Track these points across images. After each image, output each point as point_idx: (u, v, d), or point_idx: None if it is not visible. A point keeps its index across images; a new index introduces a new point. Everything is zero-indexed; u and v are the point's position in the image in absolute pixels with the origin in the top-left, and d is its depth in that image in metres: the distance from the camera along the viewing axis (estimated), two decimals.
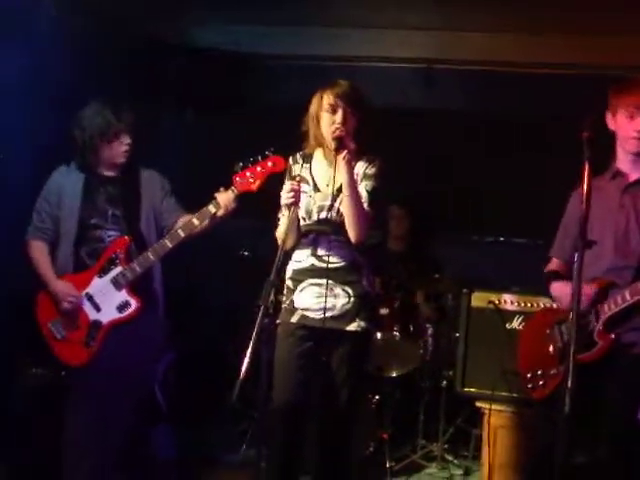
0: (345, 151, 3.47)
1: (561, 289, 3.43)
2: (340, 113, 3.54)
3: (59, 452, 3.91)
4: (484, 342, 4.52)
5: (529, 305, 4.49)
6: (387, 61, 6.28)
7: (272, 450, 3.57)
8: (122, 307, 3.89)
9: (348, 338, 3.58)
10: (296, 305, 3.65)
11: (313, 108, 3.62)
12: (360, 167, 3.62)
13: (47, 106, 4.68)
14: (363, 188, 3.59)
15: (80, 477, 3.84)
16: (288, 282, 3.72)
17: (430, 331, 5.33)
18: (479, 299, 4.62)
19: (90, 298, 3.90)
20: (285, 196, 3.49)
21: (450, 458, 5.15)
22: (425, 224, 6.13)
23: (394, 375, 5.10)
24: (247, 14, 5.95)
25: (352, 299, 3.58)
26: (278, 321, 3.68)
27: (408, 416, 5.28)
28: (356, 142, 3.58)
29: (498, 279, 5.29)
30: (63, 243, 3.93)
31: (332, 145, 3.52)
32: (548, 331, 3.48)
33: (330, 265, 3.57)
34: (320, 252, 3.61)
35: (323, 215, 3.61)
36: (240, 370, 2.95)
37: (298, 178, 3.61)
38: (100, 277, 3.90)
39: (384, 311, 5.05)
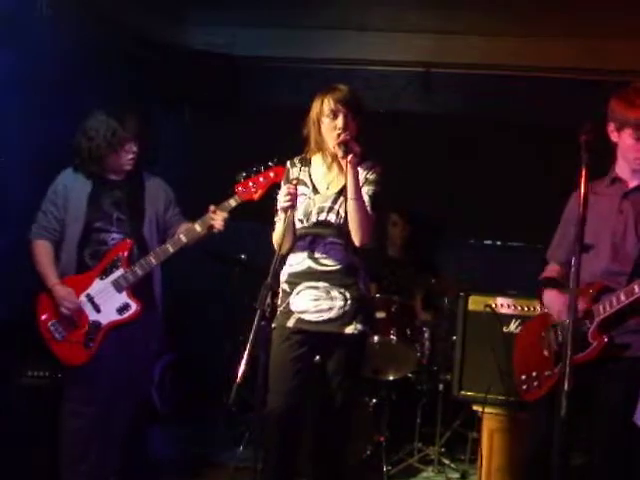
0: (351, 155, 3.48)
1: (552, 299, 3.45)
2: (341, 118, 3.55)
3: (56, 454, 3.93)
4: (481, 346, 4.51)
5: (526, 309, 4.48)
6: (384, 64, 6.29)
7: (267, 453, 3.58)
8: (122, 309, 3.93)
9: (345, 341, 3.58)
10: (292, 308, 3.64)
11: (313, 113, 3.62)
12: (361, 173, 3.62)
13: (42, 107, 4.69)
14: (365, 193, 3.59)
15: (79, 478, 3.86)
16: (284, 285, 3.71)
17: (427, 335, 5.32)
18: (476, 303, 4.61)
19: (91, 299, 3.94)
20: (282, 199, 3.51)
21: (447, 462, 5.14)
22: (423, 229, 6.13)
23: (391, 379, 5.10)
24: (243, 16, 5.97)
25: (349, 302, 3.58)
26: (274, 325, 3.68)
27: (405, 420, 5.28)
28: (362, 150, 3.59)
29: (495, 283, 5.29)
30: (67, 245, 3.97)
31: (338, 151, 3.53)
32: (543, 334, 3.49)
33: (327, 268, 3.59)
34: (317, 255, 3.61)
35: (322, 217, 3.61)
36: (237, 373, 2.95)
37: (295, 181, 3.61)
38: (101, 279, 3.94)
39: (381, 315, 5.04)
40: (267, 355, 3.48)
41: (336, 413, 3.61)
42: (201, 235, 3.94)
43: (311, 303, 3.60)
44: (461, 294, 4.68)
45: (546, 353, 3.45)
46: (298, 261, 3.65)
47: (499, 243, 6.23)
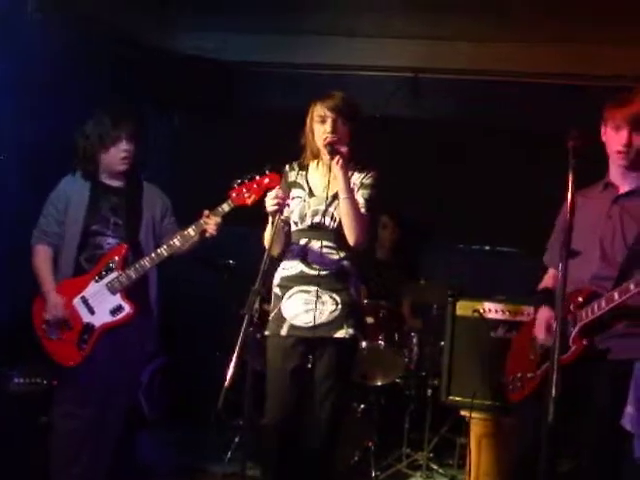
0: (338, 156, 3.55)
1: (539, 317, 3.48)
2: (329, 123, 3.62)
3: (45, 458, 3.92)
4: (469, 351, 4.53)
5: (514, 314, 4.49)
6: (374, 70, 6.29)
7: (268, 469, 3.67)
8: (115, 311, 3.98)
9: (335, 345, 3.60)
10: (284, 314, 3.66)
11: (308, 121, 3.72)
12: (357, 177, 3.70)
13: (32, 109, 4.68)
14: (360, 196, 3.66)
15: None
16: (276, 290, 3.74)
17: (415, 340, 5.32)
18: (464, 308, 4.62)
19: (85, 301, 3.99)
20: (269, 202, 3.52)
21: (435, 467, 5.14)
22: (412, 233, 6.14)
23: (379, 384, 5.10)
24: (233, 21, 5.97)
25: (339, 306, 3.61)
26: (267, 332, 3.71)
27: (393, 425, 5.28)
28: (350, 151, 3.64)
29: (483, 288, 5.29)
30: (66, 249, 4.02)
31: (324, 153, 3.62)
32: (532, 338, 3.51)
33: (319, 272, 3.63)
34: (310, 259, 3.65)
35: (317, 220, 3.67)
36: (225, 379, 2.95)
37: (281, 192, 3.61)
38: (96, 281, 4.00)
39: (369, 320, 5.04)
40: (255, 361, 3.47)
41: (326, 417, 3.62)
42: (195, 239, 3.99)
43: (302, 307, 3.63)
44: (449, 299, 4.69)
45: (532, 357, 3.48)
46: (291, 265, 3.70)
47: (487, 248, 6.24)
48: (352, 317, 3.63)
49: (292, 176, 3.81)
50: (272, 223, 3.51)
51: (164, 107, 6.42)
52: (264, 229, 3.71)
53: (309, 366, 3.71)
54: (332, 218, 3.65)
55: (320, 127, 3.64)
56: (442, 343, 5.01)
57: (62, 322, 3.95)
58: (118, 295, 3.98)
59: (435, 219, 6.21)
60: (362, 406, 5.12)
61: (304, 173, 3.80)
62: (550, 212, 3.62)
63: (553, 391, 2.69)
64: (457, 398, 4.57)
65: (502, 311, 4.53)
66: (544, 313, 3.45)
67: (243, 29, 6.14)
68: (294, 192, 3.76)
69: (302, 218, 3.70)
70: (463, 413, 4.56)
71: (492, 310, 4.56)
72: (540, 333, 3.42)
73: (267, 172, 3.79)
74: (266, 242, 3.64)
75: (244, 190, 3.83)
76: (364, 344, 4.94)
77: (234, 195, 3.86)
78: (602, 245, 3.30)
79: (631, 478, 3.15)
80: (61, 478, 3.90)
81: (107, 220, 4.05)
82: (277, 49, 6.22)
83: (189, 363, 5.81)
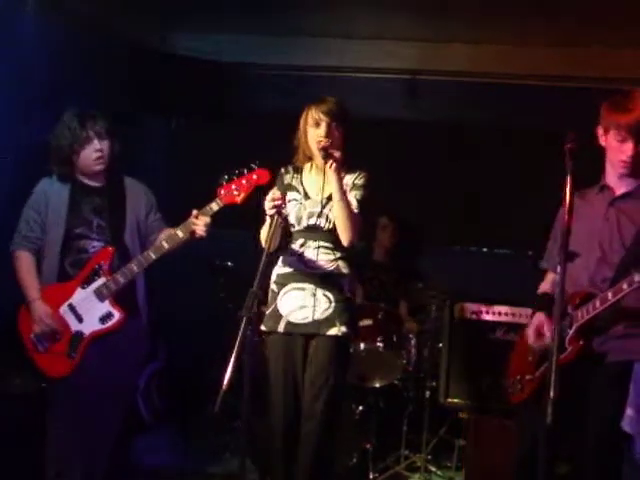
0: (331, 160, 3.64)
1: (534, 322, 3.47)
2: (323, 127, 3.72)
3: (40, 464, 3.88)
4: (467, 353, 4.53)
5: (512, 316, 4.50)
6: (370, 72, 6.29)
7: (273, 466, 3.75)
8: (105, 318, 3.87)
9: (328, 342, 3.68)
10: (280, 311, 3.77)
11: (301, 124, 3.82)
12: (349, 178, 3.80)
13: (27, 110, 4.67)
14: (353, 197, 3.76)
15: None
16: (273, 286, 3.85)
17: (413, 342, 5.32)
18: (462, 310, 4.63)
19: (73, 309, 3.87)
20: (268, 205, 3.57)
21: (433, 469, 5.13)
22: (410, 235, 6.15)
23: (377, 386, 5.09)
24: (229, 23, 5.96)
25: (333, 304, 3.71)
26: (264, 328, 3.80)
27: (391, 427, 5.27)
28: (343, 154, 3.72)
29: (481, 290, 5.30)
30: (49, 253, 3.91)
31: (319, 156, 3.69)
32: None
33: (314, 271, 3.73)
34: (306, 258, 3.76)
35: (312, 221, 3.78)
36: (223, 380, 2.94)
37: (279, 193, 3.66)
38: (83, 288, 3.88)
39: (367, 322, 5.04)
40: (253, 363, 3.47)
41: (320, 415, 3.65)
42: (183, 241, 3.88)
43: (297, 304, 3.74)
44: (447, 301, 4.69)
45: (530, 358, 3.49)
46: (288, 263, 3.81)
47: (485, 250, 6.25)
48: (345, 315, 3.73)
49: (287, 179, 3.90)
50: (270, 224, 3.52)
51: (161, 108, 6.41)
52: (258, 234, 3.74)
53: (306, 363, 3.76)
54: (327, 219, 3.76)
55: (314, 130, 3.74)
56: (440, 345, 5.03)
57: (51, 333, 3.84)
58: (107, 302, 3.86)
59: (433, 221, 6.21)
60: (360, 408, 5.11)
61: (298, 176, 3.89)
62: (548, 214, 3.62)
63: (551, 392, 2.69)
64: (455, 400, 4.58)
65: (500, 313, 4.53)
66: (537, 318, 3.46)
67: (239, 31, 6.14)
68: (290, 195, 3.85)
69: (298, 220, 3.80)
70: (462, 415, 4.56)
71: (490, 312, 4.56)
72: (530, 338, 3.44)
73: (255, 168, 3.77)
74: (263, 241, 3.65)
75: (233, 187, 3.77)
76: (362, 346, 4.95)
77: (223, 193, 3.78)
78: (601, 247, 3.30)
79: (631, 479, 3.15)
80: None
81: (90, 222, 3.92)
82: (273, 51, 6.21)
83: (187, 365, 5.81)
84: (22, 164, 4.52)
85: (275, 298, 3.80)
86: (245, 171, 3.78)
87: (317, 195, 3.80)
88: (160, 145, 6.53)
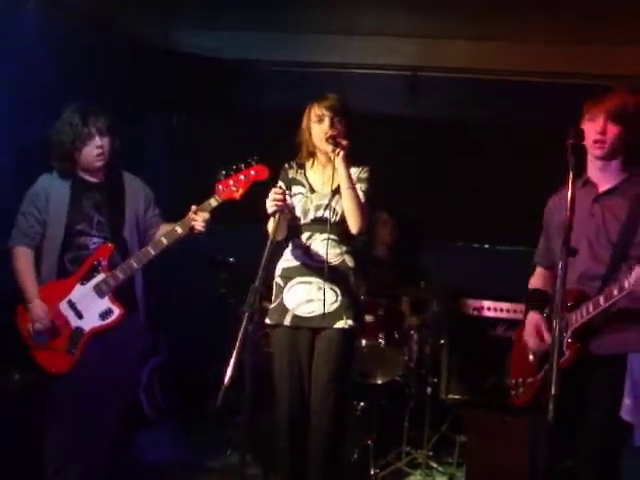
0: (339, 149, 3.67)
1: (529, 322, 3.48)
2: (327, 121, 3.76)
3: (39, 459, 3.89)
4: (468, 349, 4.54)
5: (513, 312, 4.50)
6: (372, 68, 6.29)
7: (279, 467, 3.78)
8: (104, 314, 3.88)
9: (335, 335, 3.72)
10: (286, 304, 3.80)
11: (305, 121, 3.86)
12: (354, 172, 3.81)
13: (29, 108, 4.67)
14: (359, 189, 3.77)
15: None
16: (278, 280, 3.87)
17: (415, 338, 5.32)
18: (463, 306, 4.64)
19: (72, 305, 3.88)
20: (269, 204, 3.59)
21: (435, 465, 5.13)
22: (412, 231, 6.14)
23: (379, 382, 5.09)
24: (231, 19, 5.96)
25: (339, 298, 3.75)
26: (269, 321, 3.84)
27: (393, 423, 5.27)
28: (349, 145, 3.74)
29: (482, 286, 5.30)
30: (49, 249, 3.91)
31: (327, 147, 3.73)
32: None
33: (320, 265, 3.74)
34: (312, 251, 3.78)
35: (319, 214, 3.81)
36: (225, 376, 2.95)
37: (281, 189, 3.70)
38: (83, 284, 3.88)
39: (369, 318, 5.03)
40: (255, 359, 3.47)
41: (328, 408, 3.69)
42: (182, 236, 3.87)
43: (303, 298, 3.77)
44: (449, 298, 4.69)
45: (531, 359, 3.48)
46: (293, 256, 3.84)
47: (487, 246, 6.25)
48: (352, 309, 3.77)
49: (292, 173, 3.93)
50: (274, 219, 3.54)
51: (162, 105, 6.41)
52: (265, 226, 3.71)
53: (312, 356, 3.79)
54: (334, 212, 3.77)
55: (318, 126, 3.78)
56: (442, 341, 5.03)
57: (50, 330, 3.84)
58: (106, 298, 3.87)
59: (434, 217, 6.21)
60: (362, 404, 5.11)
61: (302, 171, 3.92)
62: None
63: (553, 390, 2.68)
64: (457, 396, 4.58)
65: (501, 309, 4.54)
66: (533, 318, 3.46)
67: (241, 27, 6.14)
68: (295, 189, 3.88)
69: (305, 213, 3.83)
70: (463, 411, 4.56)
71: (491, 309, 4.57)
72: (530, 340, 3.44)
73: (253, 163, 3.78)
74: (269, 229, 3.65)
75: (231, 182, 3.78)
76: (364, 342, 4.95)
77: (221, 189, 3.79)
78: (588, 243, 3.30)
79: (632, 467, 3.16)
80: (57, 479, 3.84)
81: (90, 218, 3.93)
82: (275, 47, 6.21)
83: (188, 360, 5.82)
84: (22, 164, 4.51)
85: (281, 291, 3.83)
86: (243, 166, 3.79)
87: (323, 188, 3.83)
88: (161, 141, 6.53)
